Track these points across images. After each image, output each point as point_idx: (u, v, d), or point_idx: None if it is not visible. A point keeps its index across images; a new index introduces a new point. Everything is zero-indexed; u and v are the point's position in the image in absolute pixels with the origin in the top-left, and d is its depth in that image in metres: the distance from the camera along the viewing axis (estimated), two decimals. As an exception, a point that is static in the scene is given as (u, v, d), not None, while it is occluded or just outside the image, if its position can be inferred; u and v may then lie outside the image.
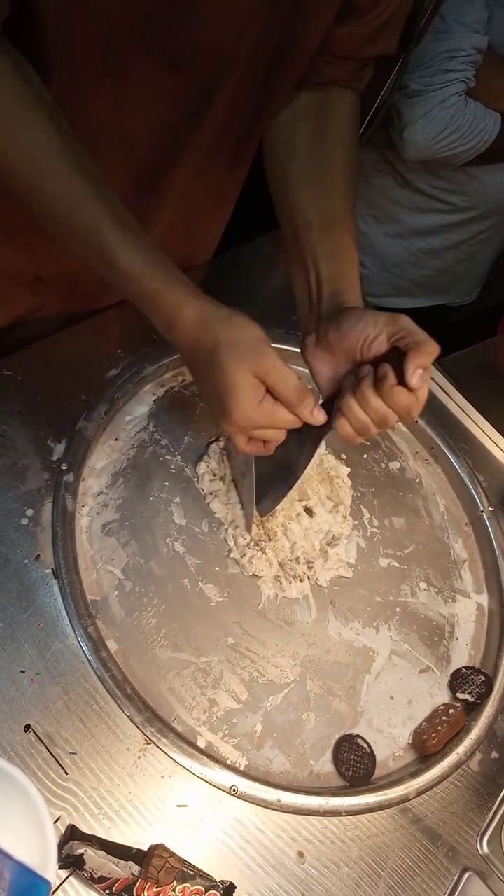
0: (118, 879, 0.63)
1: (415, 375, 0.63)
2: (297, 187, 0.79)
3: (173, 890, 0.64)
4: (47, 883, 0.58)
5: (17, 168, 0.64)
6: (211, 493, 0.90)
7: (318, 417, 0.68)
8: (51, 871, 0.59)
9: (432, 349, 0.64)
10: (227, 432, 0.70)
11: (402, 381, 0.63)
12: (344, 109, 0.83)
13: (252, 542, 0.88)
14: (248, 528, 0.88)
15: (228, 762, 0.75)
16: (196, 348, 0.66)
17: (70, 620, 0.75)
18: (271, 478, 0.82)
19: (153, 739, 0.72)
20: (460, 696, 0.87)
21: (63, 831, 0.65)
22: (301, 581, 0.88)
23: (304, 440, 0.75)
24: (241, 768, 0.76)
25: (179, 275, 0.65)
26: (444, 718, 0.84)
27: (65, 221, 0.66)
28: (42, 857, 0.60)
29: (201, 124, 0.77)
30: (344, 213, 0.78)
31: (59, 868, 0.63)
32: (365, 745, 0.81)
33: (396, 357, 0.64)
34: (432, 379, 1.13)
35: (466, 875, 0.75)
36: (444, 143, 1.25)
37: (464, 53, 1.20)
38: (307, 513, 0.92)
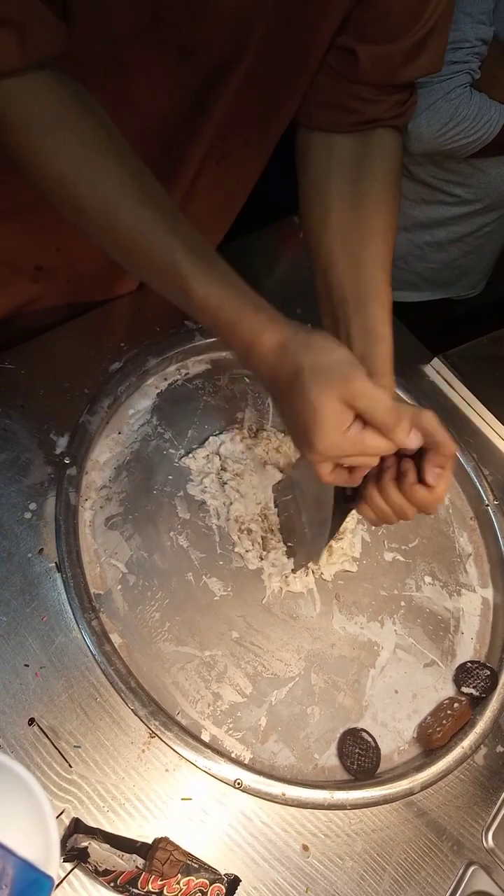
0: (122, 872, 0.63)
1: (431, 474, 0.64)
2: (330, 258, 0.75)
3: (177, 883, 0.64)
4: (50, 879, 0.58)
5: (88, 203, 0.63)
6: (202, 490, 0.90)
7: (415, 441, 0.63)
8: (53, 866, 0.59)
9: (450, 450, 0.64)
10: (310, 462, 0.65)
11: (421, 478, 0.65)
12: (383, 153, 0.77)
13: (258, 538, 0.87)
14: (315, 560, 0.87)
15: (233, 756, 0.75)
16: (277, 375, 0.62)
17: (74, 614, 0.75)
18: (301, 535, 0.82)
19: (157, 733, 0.72)
20: (465, 690, 0.87)
21: (67, 824, 0.65)
22: (306, 575, 0.88)
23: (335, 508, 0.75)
24: (246, 762, 0.76)
25: (257, 300, 0.63)
26: (449, 712, 0.83)
27: (137, 255, 0.64)
28: (45, 853, 0.60)
29: (207, 119, 0.76)
30: (378, 287, 0.74)
31: (64, 861, 0.63)
32: (370, 739, 0.81)
33: (419, 455, 0.65)
34: (437, 373, 1.13)
35: (472, 869, 0.75)
36: (449, 135, 1.24)
37: (469, 45, 1.19)
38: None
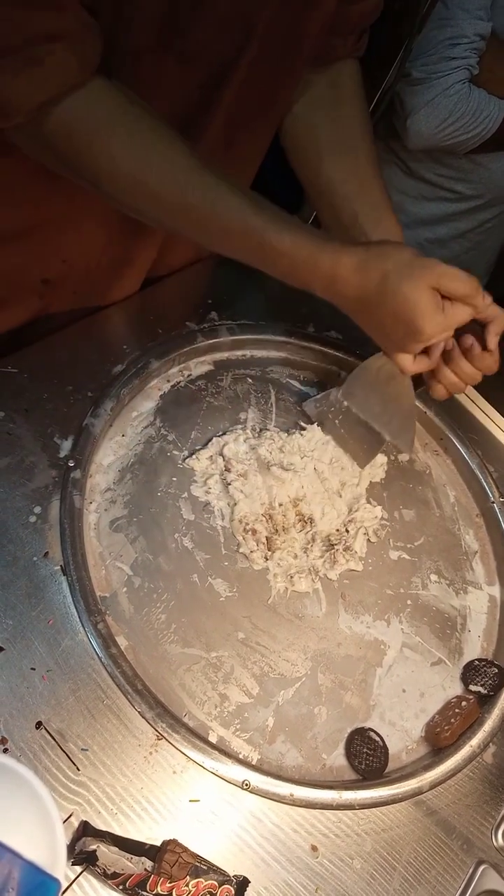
0: (131, 875, 0.63)
1: (493, 342, 0.78)
2: (330, 179, 0.84)
3: (186, 885, 0.63)
4: (56, 882, 0.58)
5: (158, 190, 0.69)
6: (206, 491, 0.90)
7: (488, 302, 0.75)
8: (60, 869, 0.59)
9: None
10: (408, 351, 0.78)
11: (484, 347, 0.79)
12: (352, 81, 0.88)
13: (263, 538, 0.87)
14: (410, 448, 0.98)
15: (240, 757, 0.75)
16: (365, 290, 0.71)
17: (79, 617, 0.75)
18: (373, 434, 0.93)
19: (164, 735, 0.72)
20: (473, 688, 0.87)
21: (76, 827, 0.65)
22: (311, 575, 0.88)
23: None
24: (254, 763, 0.76)
25: (323, 234, 0.72)
26: (456, 711, 0.83)
27: (213, 223, 0.71)
28: (51, 856, 0.59)
29: (212, 114, 0.77)
30: (383, 199, 0.84)
31: (73, 864, 0.63)
32: (377, 739, 0.80)
33: (469, 328, 0.77)
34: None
35: (482, 868, 0.75)
36: (449, 131, 1.23)
37: (467, 40, 1.19)
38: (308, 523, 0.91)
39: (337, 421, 0.95)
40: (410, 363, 0.79)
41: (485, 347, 0.79)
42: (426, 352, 0.81)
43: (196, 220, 0.71)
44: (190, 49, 0.70)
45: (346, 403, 0.93)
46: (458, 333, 0.78)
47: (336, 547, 0.89)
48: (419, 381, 0.89)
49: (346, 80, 0.87)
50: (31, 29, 0.58)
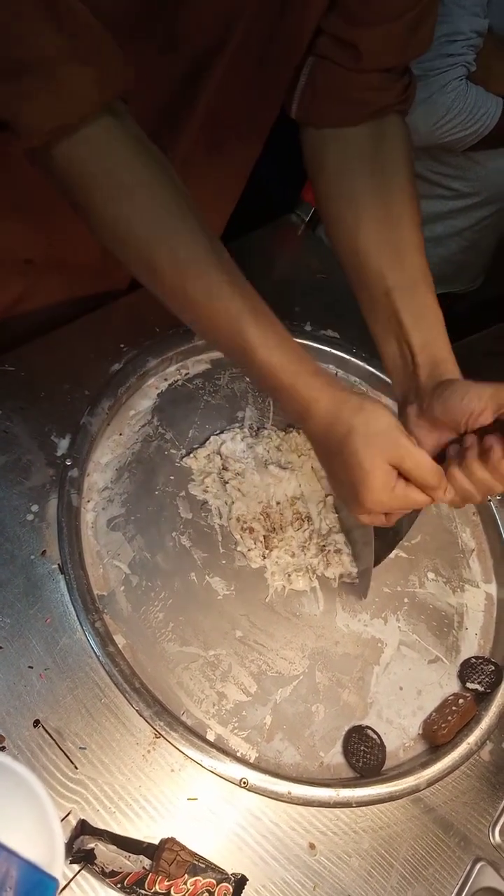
0: (129, 873, 0.63)
1: None
2: (367, 250, 0.76)
3: (185, 883, 0.64)
4: (55, 880, 0.58)
5: (163, 266, 0.65)
6: (204, 490, 0.90)
7: (452, 496, 0.69)
8: (58, 868, 0.59)
9: None
10: (354, 513, 0.72)
11: None
12: (398, 138, 0.78)
13: (260, 536, 0.87)
14: (364, 594, 0.88)
15: (238, 755, 0.75)
16: (329, 437, 0.67)
17: (77, 615, 0.75)
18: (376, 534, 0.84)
19: (162, 733, 0.72)
20: (470, 685, 0.87)
21: (74, 826, 0.65)
22: (308, 573, 0.88)
23: None
24: (251, 761, 0.76)
25: (314, 365, 0.68)
26: (454, 708, 0.83)
27: (205, 316, 0.68)
28: (49, 855, 0.60)
29: (192, 109, 0.76)
30: (424, 271, 0.77)
31: (71, 862, 0.63)
32: (375, 736, 0.80)
33: (499, 427, 0.67)
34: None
35: (479, 865, 0.75)
36: (446, 129, 1.23)
37: (464, 37, 1.19)
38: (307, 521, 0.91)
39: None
40: (366, 519, 0.72)
41: None
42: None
43: (190, 310, 0.69)
44: (173, 37, 0.67)
45: None
46: (485, 431, 0.68)
47: (327, 548, 0.89)
48: None
49: (390, 137, 0.78)
50: (51, 47, 0.56)
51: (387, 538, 0.84)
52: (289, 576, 0.87)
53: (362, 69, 0.74)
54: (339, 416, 0.66)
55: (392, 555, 0.94)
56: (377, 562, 0.85)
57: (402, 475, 0.66)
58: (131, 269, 0.69)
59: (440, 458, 0.72)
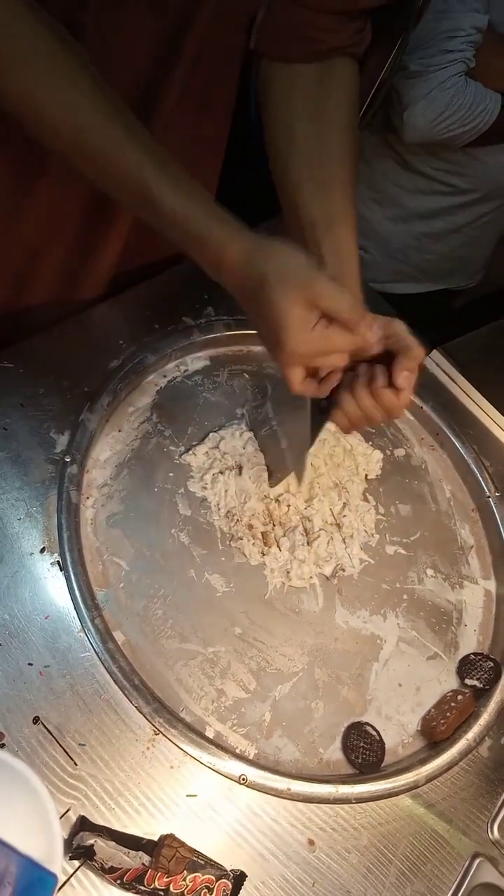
0: (129, 870, 0.63)
1: (400, 377, 0.69)
2: (297, 180, 0.77)
3: (184, 880, 0.64)
4: (54, 876, 0.58)
5: (58, 123, 0.65)
6: (203, 487, 0.90)
7: (374, 338, 0.69)
8: (57, 864, 0.60)
9: (418, 353, 0.69)
10: (283, 366, 0.70)
11: (390, 381, 0.69)
12: (345, 79, 0.80)
13: (259, 533, 0.87)
14: (273, 484, 0.90)
15: (237, 751, 0.75)
16: (245, 283, 0.66)
17: (77, 612, 0.75)
18: (280, 452, 0.87)
19: (161, 730, 0.72)
20: (469, 682, 0.87)
21: (73, 822, 0.65)
22: (308, 570, 0.88)
23: (312, 423, 0.80)
24: (251, 757, 0.76)
25: (223, 213, 0.66)
26: (452, 705, 0.83)
27: (108, 170, 0.66)
28: (48, 850, 0.60)
29: (175, 64, 0.76)
30: (343, 208, 0.77)
31: (70, 859, 0.63)
32: (374, 733, 0.81)
33: (388, 358, 0.70)
34: (437, 364, 1.13)
35: (477, 861, 0.75)
36: (445, 125, 1.23)
37: (463, 33, 1.19)
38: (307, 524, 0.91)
39: (262, 432, 0.94)
40: (298, 382, 0.71)
41: (390, 383, 0.69)
42: (318, 376, 0.74)
43: (95, 165, 0.67)
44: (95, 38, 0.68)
45: (268, 427, 0.92)
46: (373, 361, 0.71)
47: (330, 546, 0.89)
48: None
49: (337, 77, 0.80)
50: None
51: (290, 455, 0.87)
52: (288, 573, 0.87)
53: (314, 8, 0.75)
54: (252, 261, 0.64)
55: (391, 551, 0.94)
56: (282, 478, 0.89)
57: (324, 316, 0.65)
58: (33, 133, 0.68)
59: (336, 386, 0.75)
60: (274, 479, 0.91)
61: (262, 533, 0.88)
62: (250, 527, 0.88)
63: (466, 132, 1.25)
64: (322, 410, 0.78)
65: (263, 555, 0.87)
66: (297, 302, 0.63)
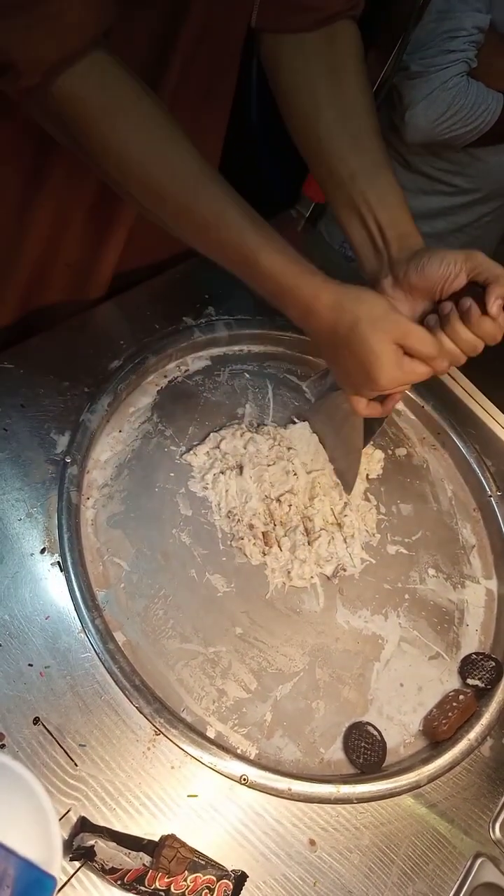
0: (129, 870, 0.63)
1: (496, 305, 0.72)
2: (328, 137, 0.81)
3: (185, 880, 0.64)
4: (52, 878, 0.58)
5: (167, 186, 0.70)
6: (204, 487, 0.90)
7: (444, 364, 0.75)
8: (56, 866, 0.59)
9: None
10: (363, 396, 0.79)
11: (484, 311, 0.73)
12: (351, 40, 0.84)
13: (260, 533, 0.87)
14: (349, 489, 0.94)
15: (238, 751, 0.75)
16: (335, 329, 0.72)
17: (77, 613, 0.75)
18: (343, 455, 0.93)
19: (162, 730, 0.72)
20: (470, 682, 0.87)
21: (74, 823, 0.65)
22: (308, 570, 0.88)
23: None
24: (252, 757, 0.76)
25: (310, 266, 0.72)
26: (454, 704, 0.83)
27: (209, 233, 0.72)
28: (47, 853, 0.60)
29: (169, 63, 0.77)
30: (384, 154, 0.81)
31: (71, 859, 0.63)
32: (375, 733, 0.80)
33: (472, 291, 0.73)
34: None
35: (479, 860, 0.75)
36: (447, 125, 1.23)
37: (465, 33, 1.19)
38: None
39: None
40: (363, 407, 0.81)
41: (485, 311, 0.73)
42: (381, 399, 0.82)
43: (196, 226, 0.72)
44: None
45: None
46: (457, 297, 0.75)
47: (331, 546, 0.89)
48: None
49: (343, 39, 0.83)
50: None
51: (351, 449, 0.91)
52: (289, 572, 0.87)
53: None
54: (343, 308, 0.71)
55: (393, 550, 0.94)
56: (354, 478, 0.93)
57: (406, 351, 0.72)
58: (136, 197, 0.72)
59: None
60: (346, 484, 0.94)
61: (262, 533, 0.88)
62: (251, 527, 0.88)
63: (468, 132, 1.25)
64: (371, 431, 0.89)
65: (264, 555, 0.87)
66: (388, 342, 0.71)
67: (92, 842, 0.64)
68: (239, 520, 0.88)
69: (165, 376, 0.97)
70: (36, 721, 0.69)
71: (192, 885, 0.64)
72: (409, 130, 1.26)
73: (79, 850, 0.63)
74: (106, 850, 0.64)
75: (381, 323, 0.71)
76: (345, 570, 0.90)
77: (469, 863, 0.75)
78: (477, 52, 1.22)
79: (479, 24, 1.19)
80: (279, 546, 0.87)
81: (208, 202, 0.70)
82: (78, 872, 0.63)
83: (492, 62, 1.24)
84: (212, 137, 0.95)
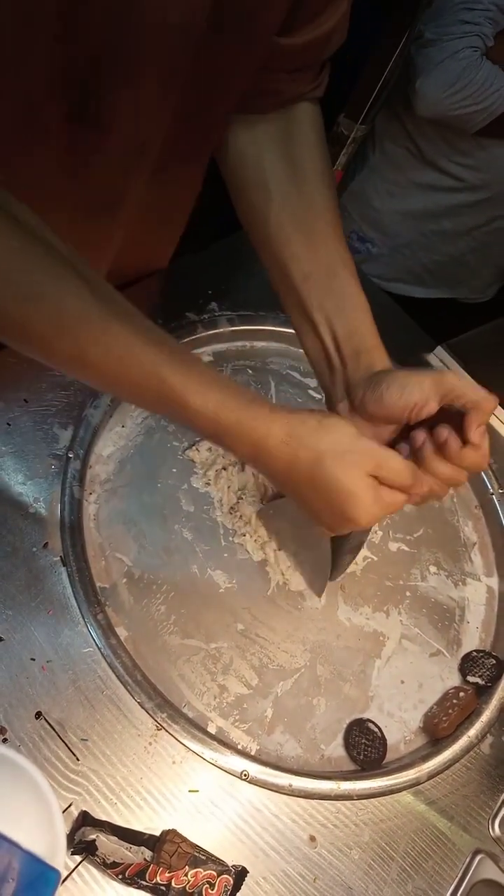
0: (130, 865, 0.63)
1: (477, 434, 0.63)
2: (281, 236, 0.71)
3: (185, 875, 0.64)
4: (56, 872, 0.58)
5: (52, 340, 0.56)
6: (206, 483, 0.90)
7: (418, 499, 0.66)
8: (60, 860, 0.60)
9: (490, 402, 0.62)
10: (338, 533, 0.68)
11: (464, 441, 0.63)
12: (311, 124, 0.74)
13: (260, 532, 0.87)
14: (320, 594, 0.87)
15: (239, 747, 0.75)
16: (293, 467, 0.61)
17: (79, 608, 0.75)
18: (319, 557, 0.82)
19: (164, 725, 0.72)
20: (471, 679, 0.87)
21: (75, 817, 0.66)
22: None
23: None
24: (252, 753, 0.76)
25: (254, 396, 0.61)
26: (454, 702, 0.83)
27: (120, 379, 0.58)
28: (51, 846, 0.60)
29: (134, 172, 0.71)
30: (342, 256, 0.71)
31: (72, 854, 0.63)
32: (376, 730, 0.81)
33: (447, 416, 0.63)
34: (441, 361, 1.12)
35: (478, 857, 0.75)
36: (457, 99, 1.22)
37: (482, 6, 1.18)
38: None
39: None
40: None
41: (465, 442, 0.63)
42: None
43: (104, 377, 0.59)
44: (104, 120, 0.61)
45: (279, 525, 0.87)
46: (433, 425, 0.64)
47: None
48: None
49: (301, 122, 0.73)
50: None
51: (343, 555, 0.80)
52: (282, 573, 0.86)
53: (276, 68, 0.69)
54: (301, 442, 0.60)
55: (394, 547, 0.94)
56: (339, 573, 0.84)
57: (381, 482, 0.62)
58: (27, 352, 0.59)
59: None
60: (317, 588, 0.87)
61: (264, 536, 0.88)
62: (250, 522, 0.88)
63: (478, 112, 1.24)
64: (351, 549, 0.76)
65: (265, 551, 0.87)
66: (362, 476, 0.60)
67: (93, 836, 0.64)
68: (241, 516, 0.88)
69: (168, 371, 0.97)
70: (38, 715, 0.69)
71: (192, 879, 0.64)
72: (419, 101, 1.25)
73: (80, 845, 0.64)
74: (107, 844, 0.65)
75: (351, 456, 0.60)
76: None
77: (468, 859, 0.75)
78: (494, 31, 1.21)
79: (498, 1, 1.18)
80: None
81: (106, 349, 0.56)
82: (79, 867, 0.64)
83: None
84: (179, 213, 0.88)
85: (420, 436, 0.65)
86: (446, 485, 0.66)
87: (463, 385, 0.62)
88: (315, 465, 0.60)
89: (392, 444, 0.67)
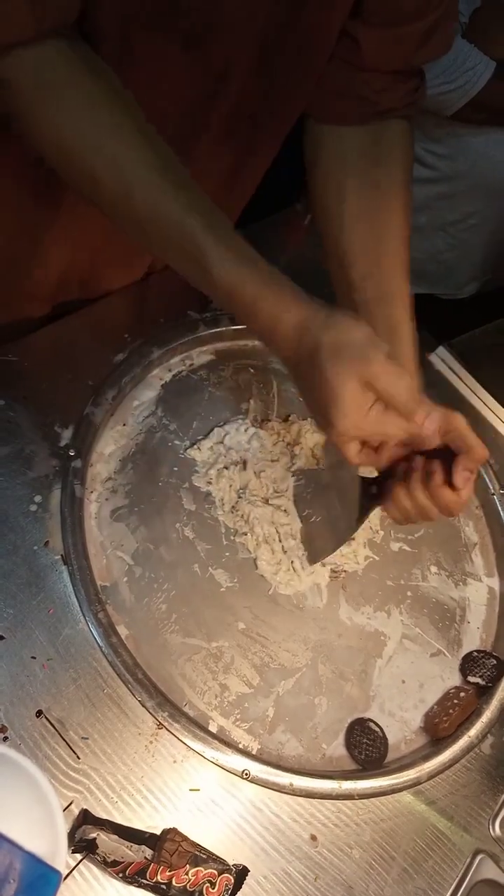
0: (131, 863, 0.63)
1: (460, 477, 0.64)
2: (350, 251, 0.74)
3: (186, 874, 0.64)
4: (57, 873, 0.58)
5: (102, 176, 0.60)
6: (207, 482, 0.89)
7: (430, 429, 0.63)
8: (61, 860, 0.59)
9: (481, 453, 0.64)
10: (334, 442, 0.65)
11: (448, 479, 0.64)
12: (396, 146, 0.76)
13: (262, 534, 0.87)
14: (312, 561, 0.86)
15: (240, 746, 0.75)
16: (298, 355, 0.61)
17: (80, 606, 0.75)
18: (322, 528, 0.83)
19: (165, 724, 0.72)
20: (472, 679, 0.87)
21: (76, 815, 0.66)
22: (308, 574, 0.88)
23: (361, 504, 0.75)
24: (254, 752, 0.76)
25: (278, 277, 0.61)
26: (455, 702, 0.83)
27: (154, 228, 0.62)
28: (52, 847, 0.60)
29: (214, 106, 0.73)
30: (400, 287, 0.73)
31: (73, 852, 0.63)
32: (377, 729, 0.81)
33: (447, 452, 0.65)
34: (442, 361, 1.12)
35: (479, 857, 0.75)
36: (429, 77, 1.22)
37: None
38: None
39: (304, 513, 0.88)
40: (353, 455, 0.65)
41: (449, 483, 0.64)
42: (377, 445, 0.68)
43: (138, 221, 0.62)
44: (194, 34, 0.64)
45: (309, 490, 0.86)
46: (431, 454, 0.66)
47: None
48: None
49: (390, 140, 0.75)
50: None
51: (331, 530, 0.82)
52: (287, 582, 0.86)
53: (365, 67, 0.71)
54: (307, 331, 0.59)
55: (396, 547, 0.94)
56: (323, 555, 0.84)
57: (379, 397, 0.60)
58: (72, 183, 0.64)
59: (389, 472, 0.71)
60: (312, 556, 0.86)
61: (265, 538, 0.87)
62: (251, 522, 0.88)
63: (453, 90, 1.22)
64: (371, 497, 0.74)
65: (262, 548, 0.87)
66: (350, 380, 0.58)
67: (94, 835, 0.64)
68: (242, 515, 0.88)
69: (170, 370, 0.97)
70: (39, 714, 0.69)
71: (193, 878, 0.64)
72: None
73: (81, 843, 0.63)
74: (108, 842, 0.65)
75: (348, 354, 0.58)
76: (347, 566, 0.90)
77: (469, 860, 0.75)
78: (470, 10, 1.20)
79: None
80: (283, 549, 0.87)
81: (149, 198, 0.60)
82: (80, 865, 0.64)
83: (487, 28, 1.22)
84: (249, 179, 0.90)
85: (418, 461, 0.67)
86: (419, 514, 0.68)
87: (466, 429, 0.64)
88: (313, 354, 0.59)
89: (393, 466, 0.69)
